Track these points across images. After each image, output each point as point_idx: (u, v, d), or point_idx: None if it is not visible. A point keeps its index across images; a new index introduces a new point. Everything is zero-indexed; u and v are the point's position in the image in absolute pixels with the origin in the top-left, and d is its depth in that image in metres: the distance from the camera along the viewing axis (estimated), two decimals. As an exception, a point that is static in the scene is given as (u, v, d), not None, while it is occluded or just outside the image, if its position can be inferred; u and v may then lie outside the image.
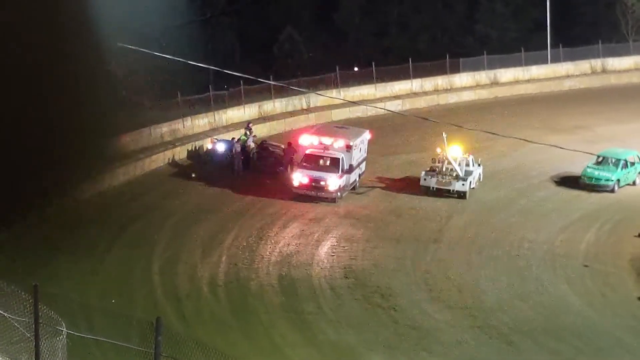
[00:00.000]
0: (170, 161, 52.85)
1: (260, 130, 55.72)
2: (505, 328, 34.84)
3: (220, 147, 52.38)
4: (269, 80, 57.20)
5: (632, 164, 50.69)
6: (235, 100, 58.64)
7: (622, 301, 37.91)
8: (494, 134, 38.26)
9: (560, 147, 38.37)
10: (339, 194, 47.51)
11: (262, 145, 52.67)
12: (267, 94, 60.04)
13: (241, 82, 56.93)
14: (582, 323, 35.54)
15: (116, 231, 42.47)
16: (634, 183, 50.86)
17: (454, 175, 48.45)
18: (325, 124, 55.74)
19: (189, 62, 40.99)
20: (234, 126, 57.15)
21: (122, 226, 43.20)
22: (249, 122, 55.49)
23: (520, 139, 39.55)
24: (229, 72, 34.52)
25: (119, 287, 36.91)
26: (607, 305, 37.40)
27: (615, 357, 33.21)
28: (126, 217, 44.49)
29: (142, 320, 22.84)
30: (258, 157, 51.79)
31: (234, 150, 51.13)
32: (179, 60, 37.44)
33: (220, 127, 57.02)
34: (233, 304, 36.15)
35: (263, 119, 58.70)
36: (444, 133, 48.05)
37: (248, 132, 53.21)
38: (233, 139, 52.40)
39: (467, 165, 49.17)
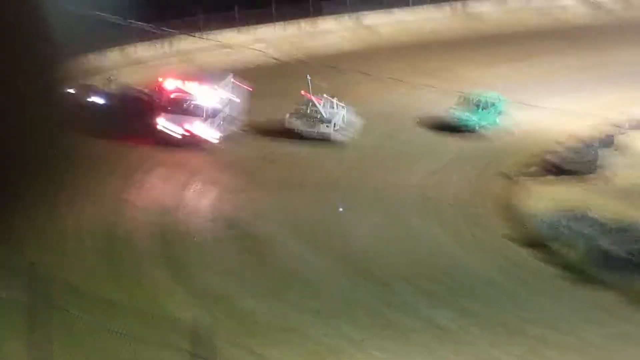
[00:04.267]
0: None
1: (125, 76, 54.23)
2: (379, 271, 35.00)
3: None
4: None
5: (493, 104, 51.33)
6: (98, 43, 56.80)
7: (490, 240, 38.66)
8: (366, 74, 38.20)
9: (430, 86, 38.64)
10: (204, 138, 46.83)
11: (125, 90, 51.45)
12: (130, 37, 58.38)
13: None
14: (455, 263, 36.13)
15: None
16: (495, 124, 51.54)
17: (318, 117, 48.30)
18: (190, 69, 54.74)
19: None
20: (94, 71, 55.51)
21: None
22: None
23: (393, 78, 39.65)
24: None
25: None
26: (477, 245, 38.14)
27: (486, 295, 33.85)
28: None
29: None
30: (120, 103, 50.55)
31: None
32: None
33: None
34: (102, 253, 35.23)
35: (127, 63, 57.15)
36: (308, 76, 47.97)
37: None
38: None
39: (332, 107, 49.04)
